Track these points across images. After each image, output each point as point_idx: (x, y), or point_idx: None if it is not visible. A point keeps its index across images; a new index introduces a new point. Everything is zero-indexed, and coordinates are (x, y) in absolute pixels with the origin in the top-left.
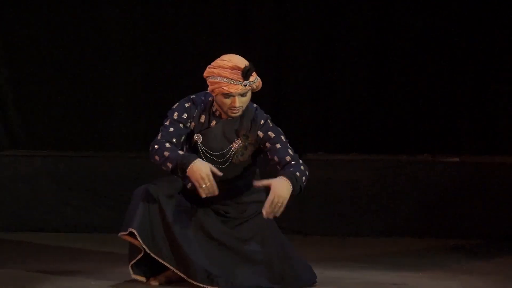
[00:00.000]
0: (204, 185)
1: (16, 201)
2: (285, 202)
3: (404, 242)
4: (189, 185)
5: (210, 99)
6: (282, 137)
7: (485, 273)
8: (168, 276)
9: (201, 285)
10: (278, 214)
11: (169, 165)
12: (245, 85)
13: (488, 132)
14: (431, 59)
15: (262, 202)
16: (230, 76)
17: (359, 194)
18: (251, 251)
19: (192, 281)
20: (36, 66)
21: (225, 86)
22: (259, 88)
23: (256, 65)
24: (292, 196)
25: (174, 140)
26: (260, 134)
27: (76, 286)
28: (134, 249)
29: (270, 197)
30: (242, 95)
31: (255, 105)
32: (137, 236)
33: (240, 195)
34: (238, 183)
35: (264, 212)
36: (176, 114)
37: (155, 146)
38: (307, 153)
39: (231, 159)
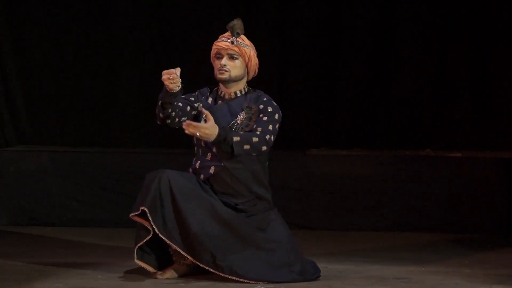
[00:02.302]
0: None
1: (24, 196)
2: (203, 135)
3: (407, 236)
4: (202, 177)
5: (215, 88)
6: (276, 116)
7: (487, 267)
8: (175, 269)
9: (206, 268)
10: (189, 130)
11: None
12: (232, 42)
13: (489, 127)
14: (433, 55)
15: (269, 201)
16: (222, 35)
17: (362, 189)
18: (261, 239)
19: (197, 263)
20: (44, 63)
21: (216, 43)
22: (252, 62)
23: (260, 61)
24: (217, 145)
25: (180, 104)
26: (261, 106)
27: (83, 280)
28: (142, 231)
29: (205, 125)
30: (231, 56)
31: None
32: (148, 215)
33: (250, 181)
34: (247, 165)
35: (187, 123)
36: (183, 96)
37: None
38: (310, 148)
39: (237, 131)
